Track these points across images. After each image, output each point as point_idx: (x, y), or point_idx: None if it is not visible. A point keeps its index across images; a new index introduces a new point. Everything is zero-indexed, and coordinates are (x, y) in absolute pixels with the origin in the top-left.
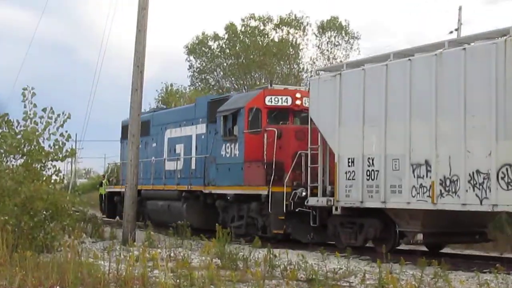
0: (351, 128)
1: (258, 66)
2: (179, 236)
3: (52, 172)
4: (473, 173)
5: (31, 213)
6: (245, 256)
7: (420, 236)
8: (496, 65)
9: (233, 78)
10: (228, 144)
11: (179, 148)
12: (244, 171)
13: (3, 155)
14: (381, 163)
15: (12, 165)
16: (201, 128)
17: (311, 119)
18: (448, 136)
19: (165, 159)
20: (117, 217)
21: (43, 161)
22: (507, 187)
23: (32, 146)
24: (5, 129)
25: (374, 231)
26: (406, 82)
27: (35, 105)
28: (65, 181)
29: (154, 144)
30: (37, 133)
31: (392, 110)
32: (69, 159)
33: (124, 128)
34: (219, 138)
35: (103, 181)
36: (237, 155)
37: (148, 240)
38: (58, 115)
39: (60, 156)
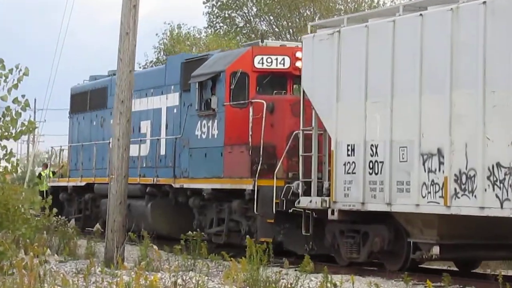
0: (351, 104)
1: (310, 0)
2: (189, 253)
3: (1, 156)
4: (493, 166)
5: None
6: (289, 286)
7: (436, 250)
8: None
9: (271, 17)
10: (204, 121)
11: (145, 126)
12: (224, 158)
13: None
14: (386, 152)
15: None
16: (173, 98)
17: (303, 91)
18: (465, 117)
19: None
20: (97, 225)
21: None
22: None
23: None
24: None
25: (381, 243)
26: (416, 44)
27: None
28: (20, 170)
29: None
30: None
31: (399, 81)
32: (26, 137)
33: (76, 98)
34: (194, 113)
35: (44, 172)
36: (215, 136)
37: (144, 259)
38: (10, 71)
39: (13, 132)
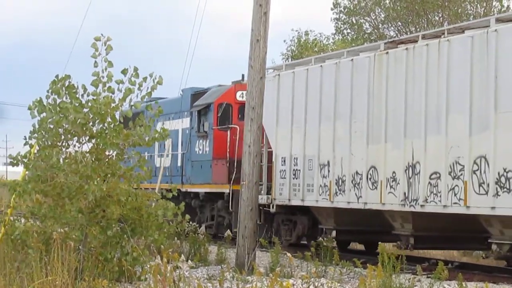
0: (284, 128)
1: (438, 5)
2: (320, 260)
3: (134, 163)
4: (354, 173)
5: (103, 224)
6: None
7: (334, 234)
8: (369, 78)
9: (399, 23)
10: (201, 141)
11: (168, 143)
12: (213, 169)
13: (63, 137)
14: (301, 163)
15: (76, 151)
16: (186, 122)
17: None
18: (341, 139)
19: (154, 155)
20: (227, 231)
21: (122, 147)
22: (372, 186)
23: (106, 124)
24: (67, 98)
25: (303, 228)
26: (317, 87)
27: (110, 64)
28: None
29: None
30: (113, 105)
31: (310, 113)
32: (159, 144)
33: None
34: (194, 134)
35: None
36: (207, 152)
37: (276, 265)
38: (144, 79)
39: (146, 139)
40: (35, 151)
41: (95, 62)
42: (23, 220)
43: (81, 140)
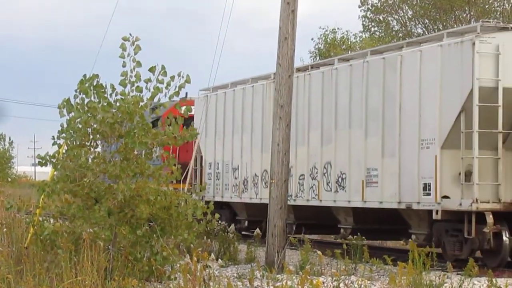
0: (210, 139)
1: (466, 2)
2: (350, 257)
3: (163, 163)
4: (254, 175)
5: (132, 223)
6: None
7: (245, 223)
8: (263, 100)
9: (427, 21)
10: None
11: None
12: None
13: (91, 136)
14: (221, 167)
15: (105, 151)
16: None
17: None
18: (246, 148)
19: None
20: (257, 230)
21: (150, 146)
22: (265, 185)
23: (134, 124)
24: (95, 98)
25: (226, 220)
26: (231, 106)
27: (139, 64)
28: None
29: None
30: (141, 104)
31: (227, 127)
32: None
33: None
34: None
35: None
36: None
37: (306, 264)
38: (172, 78)
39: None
40: (64, 151)
41: (123, 62)
42: (52, 220)
43: (109, 140)
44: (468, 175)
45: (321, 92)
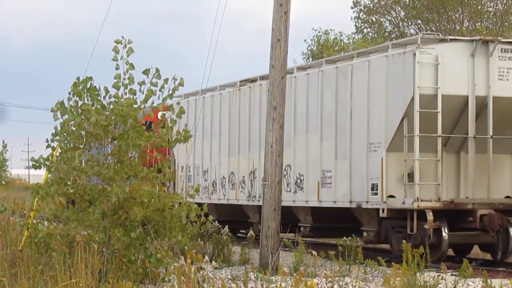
0: (182, 145)
1: (459, 3)
2: (344, 259)
3: (157, 165)
4: (222, 178)
5: (126, 226)
6: None
7: (216, 223)
8: (229, 107)
9: (419, 21)
10: None
11: None
12: None
13: (84, 139)
14: (192, 170)
15: (99, 153)
16: None
17: None
18: (215, 152)
19: None
20: (250, 231)
21: (144, 149)
22: (232, 187)
23: (128, 126)
24: (88, 100)
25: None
26: (200, 112)
27: (132, 66)
28: (180, 179)
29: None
30: (134, 106)
31: (198, 132)
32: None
33: None
34: None
35: None
36: None
37: (300, 265)
38: (165, 81)
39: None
40: (57, 154)
41: (117, 64)
42: (46, 223)
43: (102, 142)
44: (411, 176)
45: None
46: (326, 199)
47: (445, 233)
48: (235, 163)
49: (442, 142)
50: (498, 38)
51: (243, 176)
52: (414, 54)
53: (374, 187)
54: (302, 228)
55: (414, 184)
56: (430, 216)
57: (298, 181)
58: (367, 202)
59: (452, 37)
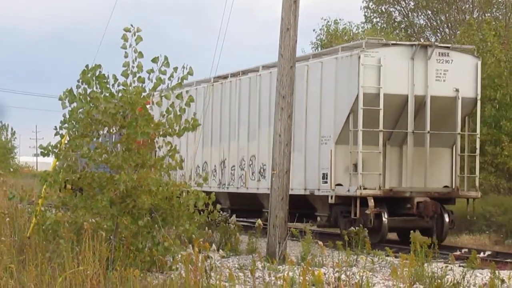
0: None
1: None
2: (351, 249)
3: (165, 153)
4: (197, 166)
5: (134, 214)
6: (455, 282)
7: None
8: (204, 102)
9: (429, 12)
10: None
11: None
12: None
13: (93, 126)
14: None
15: (107, 141)
16: None
17: None
18: (190, 143)
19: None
20: (258, 221)
21: (152, 136)
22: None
23: (136, 114)
24: (97, 88)
25: None
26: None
27: (141, 54)
28: (186, 166)
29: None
30: (143, 94)
31: None
32: (190, 134)
33: None
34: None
35: None
36: None
37: (307, 255)
38: (175, 69)
39: (177, 129)
40: (66, 141)
41: (125, 52)
42: (54, 210)
43: (111, 130)
44: (356, 166)
45: (248, 94)
46: None
47: (385, 218)
48: (208, 153)
49: (386, 137)
50: (435, 43)
51: (215, 166)
52: (359, 57)
53: (324, 176)
54: (266, 214)
55: (358, 173)
56: (371, 202)
57: (262, 170)
58: (318, 189)
59: (394, 42)
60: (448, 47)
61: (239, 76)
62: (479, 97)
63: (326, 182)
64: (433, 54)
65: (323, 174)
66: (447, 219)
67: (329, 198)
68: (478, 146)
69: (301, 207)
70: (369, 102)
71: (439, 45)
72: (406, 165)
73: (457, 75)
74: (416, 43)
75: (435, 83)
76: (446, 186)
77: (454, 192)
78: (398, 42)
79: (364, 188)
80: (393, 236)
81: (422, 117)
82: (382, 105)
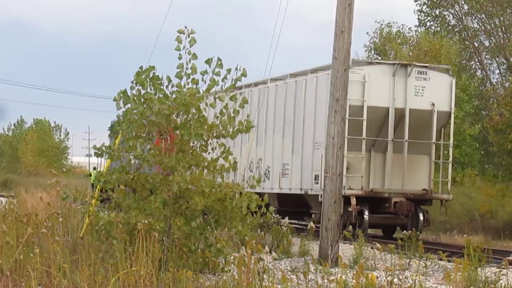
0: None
1: None
2: (404, 252)
3: (219, 154)
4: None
5: (187, 215)
6: (509, 287)
7: None
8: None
9: (483, 15)
10: None
11: None
12: None
13: (147, 127)
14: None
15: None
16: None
17: None
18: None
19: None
20: (310, 223)
21: (206, 138)
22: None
23: (190, 116)
24: (151, 89)
25: None
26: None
27: (194, 56)
28: (241, 168)
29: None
30: (197, 96)
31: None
32: (244, 136)
33: None
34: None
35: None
36: None
37: (359, 258)
38: (228, 71)
39: (230, 130)
40: (119, 142)
41: (179, 54)
42: (107, 211)
43: (164, 131)
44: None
45: (257, 104)
46: (285, 187)
47: (366, 215)
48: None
49: (371, 144)
50: (414, 62)
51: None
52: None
53: (316, 178)
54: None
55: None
56: (353, 201)
57: (267, 172)
58: (311, 189)
59: (378, 61)
60: (426, 66)
61: (251, 87)
62: (453, 110)
63: (317, 183)
64: (412, 72)
65: (315, 175)
66: (421, 218)
67: (319, 197)
68: (451, 154)
69: (300, 205)
70: (354, 113)
71: (418, 64)
72: (387, 169)
73: (433, 91)
74: (397, 62)
75: (413, 97)
76: (424, 189)
77: (428, 194)
78: (381, 61)
79: (349, 189)
80: (377, 232)
81: (402, 127)
82: (366, 116)
